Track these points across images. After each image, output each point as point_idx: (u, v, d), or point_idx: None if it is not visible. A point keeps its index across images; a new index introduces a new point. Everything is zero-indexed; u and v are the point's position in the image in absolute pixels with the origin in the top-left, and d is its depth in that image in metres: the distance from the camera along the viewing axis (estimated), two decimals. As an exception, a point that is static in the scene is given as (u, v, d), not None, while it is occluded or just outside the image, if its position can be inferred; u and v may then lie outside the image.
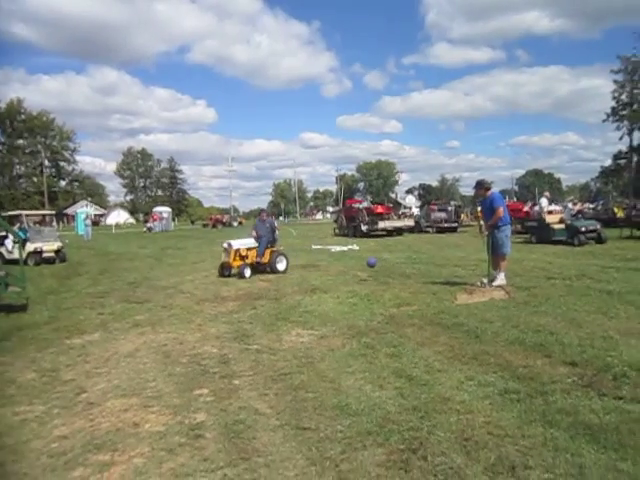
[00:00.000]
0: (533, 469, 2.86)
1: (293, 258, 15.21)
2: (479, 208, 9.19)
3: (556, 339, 5.40)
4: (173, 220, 60.16)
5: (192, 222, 64.92)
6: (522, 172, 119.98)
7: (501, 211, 8.53)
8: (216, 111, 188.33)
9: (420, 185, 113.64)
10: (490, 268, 8.84)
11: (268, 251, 12.11)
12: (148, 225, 47.38)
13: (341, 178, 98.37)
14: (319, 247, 19.45)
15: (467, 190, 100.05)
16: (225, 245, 11.96)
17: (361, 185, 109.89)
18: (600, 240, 16.63)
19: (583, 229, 16.66)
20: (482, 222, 9.01)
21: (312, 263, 13.72)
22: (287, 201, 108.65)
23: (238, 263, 11.66)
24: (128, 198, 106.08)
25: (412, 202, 47.84)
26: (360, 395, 4.06)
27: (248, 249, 11.89)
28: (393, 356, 5.09)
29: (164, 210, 52.49)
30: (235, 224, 57.76)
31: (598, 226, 17.05)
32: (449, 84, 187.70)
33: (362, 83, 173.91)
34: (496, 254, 8.72)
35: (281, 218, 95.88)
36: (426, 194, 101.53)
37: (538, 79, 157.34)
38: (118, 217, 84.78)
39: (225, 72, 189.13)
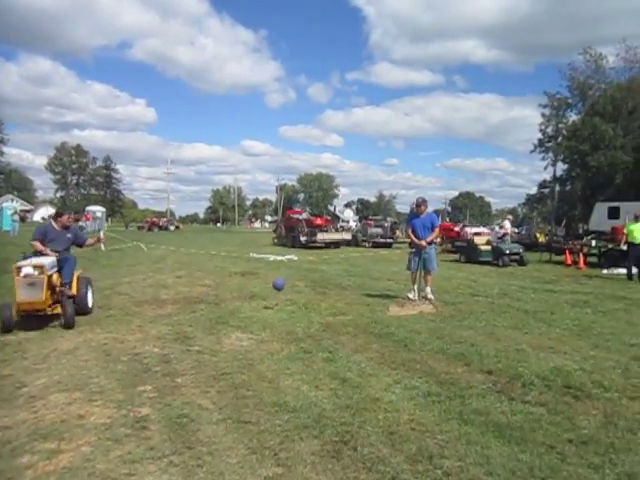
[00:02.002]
0: (448, 458, 3.27)
1: (232, 265, 15.41)
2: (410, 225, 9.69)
3: (476, 350, 5.94)
4: (106, 220, 58.26)
5: (126, 226, 62.91)
6: (455, 193, 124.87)
7: (439, 230, 9.21)
8: (156, 111, 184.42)
9: (358, 200, 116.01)
10: (422, 282, 9.41)
11: (75, 276, 7.66)
12: (80, 224, 45.69)
13: (281, 188, 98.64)
14: (257, 256, 19.64)
15: (403, 207, 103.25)
16: (26, 268, 6.66)
17: (301, 196, 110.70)
18: (522, 262, 17.82)
19: (507, 251, 17.80)
20: (414, 239, 9.46)
21: (251, 271, 13.92)
22: (226, 208, 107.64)
23: (51, 301, 6.94)
24: (58, 195, 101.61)
25: (350, 216, 48.68)
26: (298, 394, 4.38)
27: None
28: (328, 360, 5.45)
29: (97, 210, 50.80)
30: (172, 228, 56.75)
31: (521, 249, 18.27)
32: (390, 103, 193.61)
33: (306, 95, 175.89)
34: (427, 270, 9.31)
35: (219, 224, 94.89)
36: (364, 209, 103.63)
37: (473, 105, 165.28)
38: (46, 214, 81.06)
39: (167, 72, 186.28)
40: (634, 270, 14.53)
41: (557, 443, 3.53)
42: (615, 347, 6.38)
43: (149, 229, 53.65)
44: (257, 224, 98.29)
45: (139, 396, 4.31)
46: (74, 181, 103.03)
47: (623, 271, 14.66)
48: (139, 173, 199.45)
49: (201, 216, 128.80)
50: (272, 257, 18.74)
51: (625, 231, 14.48)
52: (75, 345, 5.95)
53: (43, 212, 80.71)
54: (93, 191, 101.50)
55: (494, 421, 3.87)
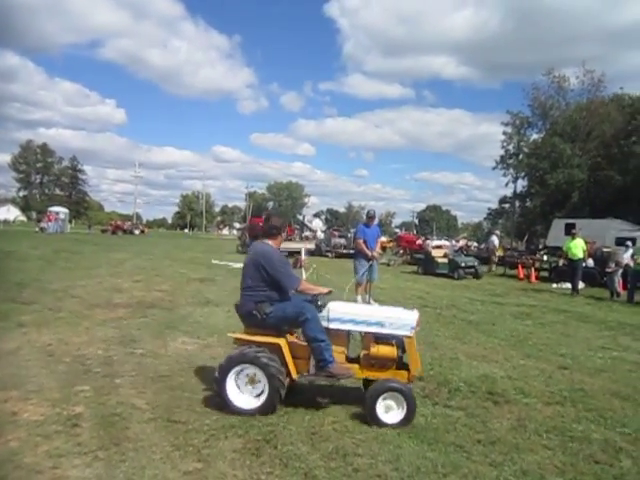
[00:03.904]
0: (361, 456, 3.50)
1: (192, 271, 15.45)
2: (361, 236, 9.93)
3: (412, 357, 6.20)
4: (70, 222, 57.19)
5: (89, 226, 61.84)
6: (423, 206, 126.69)
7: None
8: (126, 113, 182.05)
9: (328, 210, 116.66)
10: (369, 291, 9.71)
11: None
12: (41, 225, 44.77)
13: (251, 195, 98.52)
14: (219, 262, 19.68)
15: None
16: None
17: (270, 204, 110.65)
18: (476, 275, 18.38)
19: (463, 264, 18.33)
20: (366, 249, 9.77)
21: (210, 277, 14.00)
22: (194, 214, 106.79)
23: None
24: (21, 194, 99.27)
25: (319, 226, 49.21)
26: (231, 396, 4.55)
27: None
28: (268, 365, 5.63)
29: (61, 211, 49.80)
30: (137, 232, 56.02)
31: (476, 263, 18.84)
32: (361, 114, 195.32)
33: (279, 103, 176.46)
34: (372, 280, 9.63)
35: (186, 230, 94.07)
36: (333, 219, 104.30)
37: (442, 120, 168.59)
38: (8, 213, 79.17)
39: (138, 74, 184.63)
40: (581, 285, 15.21)
41: (466, 443, 3.80)
42: (545, 357, 6.76)
43: (113, 232, 52.87)
44: (225, 231, 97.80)
45: (75, 395, 4.41)
46: (38, 180, 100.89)
47: (566, 285, 15.32)
48: (107, 175, 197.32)
49: (169, 221, 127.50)
50: (233, 264, 18.80)
51: (564, 248, 15.12)
52: (18, 345, 5.97)
53: (4, 212, 78.80)
54: (58, 191, 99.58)
55: (413, 423, 4.11)
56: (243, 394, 4.17)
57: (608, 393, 5.23)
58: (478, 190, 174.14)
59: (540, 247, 30.39)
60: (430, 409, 4.51)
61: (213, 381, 4.27)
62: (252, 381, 4.17)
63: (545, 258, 19.70)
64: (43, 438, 3.55)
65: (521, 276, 18.75)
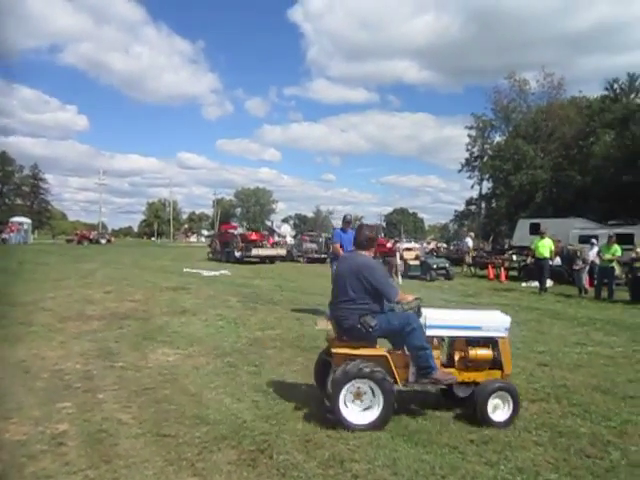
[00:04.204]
0: (358, 462, 3.48)
1: (163, 280, 15.20)
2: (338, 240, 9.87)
3: (395, 360, 6.22)
4: (32, 232, 55.59)
5: (53, 236, 60.21)
6: (390, 209, 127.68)
7: None
8: (88, 119, 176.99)
9: (296, 215, 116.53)
10: None
11: None
12: (3, 236, 43.39)
13: (218, 202, 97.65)
14: (191, 270, 19.42)
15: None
16: None
17: (238, 210, 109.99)
18: (448, 276, 18.63)
19: (435, 266, 18.56)
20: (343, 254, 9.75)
21: (182, 286, 13.78)
22: (161, 221, 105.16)
23: None
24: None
25: (287, 231, 48.92)
26: (220, 407, 4.48)
27: None
28: (253, 374, 5.57)
29: (23, 221, 48.38)
30: (103, 241, 54.84)
31: (447, 264, 19.09)
32: (327, 119, 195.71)
33: (244, 108, 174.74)
34: None
35: (153, 238, 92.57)
36: (301, 224, 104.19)
37: (407, 123, 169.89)
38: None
39: (100, 79, 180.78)
40: (549, 283, 15.57)
41: (460, 444, 3.82)
42: (524, 355, 6.86)
43: (79, 242, 51.61)
44: (193, 238, 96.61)
45: (58, 413, 4.26)
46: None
47: (536, 284, 15.64)
48: (69, 183, 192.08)
49: (135, 229, 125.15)
50: (205, 272, 18.60)
51: (532, 247, 15.45)
52: (-9, 363, 5.75)
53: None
54: (19, 201, 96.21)
55: (405, 426, 4.12)
56: (349, 408, 4.10)
57: (589, 388, 5.34)
58: (443, 192, 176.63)
59: (506, 247, 31.01)
60: (419, 411, 4.52)
61: (325, 396, 4.26)
62: (358, 395, 4.12)
63: (514, 258, 20.13)
64: (28, 459, 3.41)
65: (491, 276, 19.09)
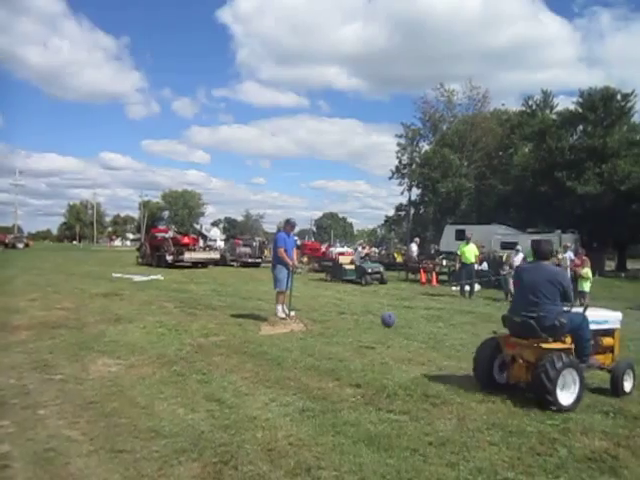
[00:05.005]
0: (324, 469, 3.47)
1: (93, 286, 14.52)
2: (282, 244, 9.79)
3: (344, 365, 6.29)
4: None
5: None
6: (320, 214, 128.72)
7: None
8: (2, 115, 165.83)
9: (226, 218, 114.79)
10: (289, 300, 9.69)
11: None
12: None
13: (145, 205, 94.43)
14: (121, 276, 18.66)
15: (271, 226, 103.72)
16: None
17: (166, 213, 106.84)
18: (382, 281, 19.02)
19: (369, 270, 18.89)
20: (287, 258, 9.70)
21: (114, 292, 13.21)
22: (83, 224, 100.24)
23: None
24: None
25: (217, 235, 48.07)
26: (174, 418, 4.32)
27: None
28: (203, 382, 5.43)
29: None
30: (21, 246, 51.53)
31: (381, 268, 19.51)
32: (257, 122, 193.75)
33: (171, 109, 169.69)
34: (290, 288, 9.63)
35: (75, 242, 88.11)
36: (231, 228, 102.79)
37: (336, 129, 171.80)
38: None
39: (15, 73, 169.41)
40: (477, 287, 16.27)
41: (419, 446, 3.90)
42: (464, 357, 7.10)
43: (-7, 247, 48.21)
44: (118, 242, 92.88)
45: (-5, 432, 3.95)
46: None
47: (468, 288, 16.27)
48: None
49: (54, 233, 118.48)
50: (137, 277, 17.94)
51: (459, 252, 16.09)
52: None
53: None
54: None
55: (365, 431, 4.16)
56: (562, 393, 4.85)
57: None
58: (371, 198, 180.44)
59: (433, 252, 32.14)
60: (376, 415, 4.58)
61: (540, 384, 4.80)
62: (565, 382, 4.90)
63: (444, 262, 20.87)
64: (-30, 484, 3.15)
65: (423, 280, 19.69)
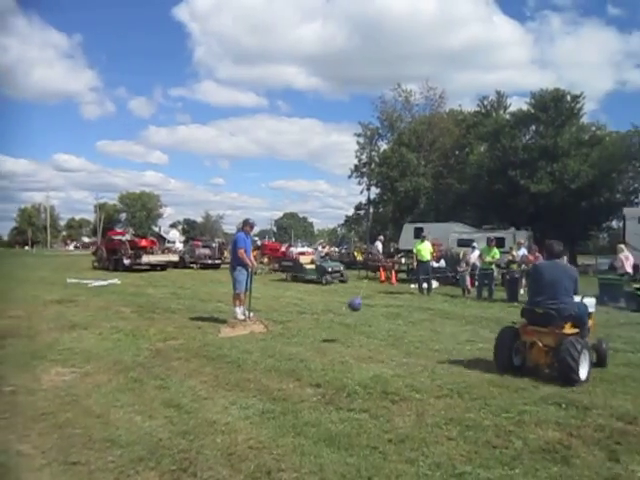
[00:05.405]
0: (285, 471, 3.46)
1: (46, 293, 14.06)
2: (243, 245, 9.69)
3: (305, 365, 6.29)
4: None
5: None
6: (280, 214, 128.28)
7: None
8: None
9: (185, 220, 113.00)
10: (249, 301, 9.63)
11: None
12: None
13: (101, 207, 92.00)
14: (76, 281, 18.12)
15: (230, 227, 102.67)
16: None
17: (123, 216, 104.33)
18: (343, 280, 19.13)
19: (330, 269, 18.95)
20: (247, 259, 9.63)
21: (69, 298, 12.82)
22: (36, 229, 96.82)
23: None
24: None
25: (176, 237, 47.51)
26: (130, 426, 4.23)
27: None
28: (161, 388, 5.34)
29: None
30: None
31: (341, 267, 19.62)
32: (216, 122, 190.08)
33: (127, 109, 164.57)
34: (250, 289, 9.58)
35: (27, 247, 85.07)
36: (190, 229, 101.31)
37: (296, 129, 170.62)
38: None
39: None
40: (435, 284, 16.56)
41: (379, 444, 3.94)
42: (423, 353, 7.24)
43: (-64, 253, 46.08)
44: (72, 246, 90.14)
45: (-60, 448, 3.78)
46: None
47: (425, 285, 16.52)
48: None
49: (5, 238, 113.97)
50: (93, 282, 17.46)
51: (414, 250, 16.33)
52: None
53: None
54: None
55: (325, 431, 4.18)
56: (581, 370, 5.66)
57: (485, 382, 5.74)
58: (332, 197, 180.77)
59: (392, 250, 32.51)
60: (336, 415, 4.60)
61: (567, 365, 5.58)
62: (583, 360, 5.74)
63: (403, 261, 21.14)
64: None
65: (382, 278, 19.89)
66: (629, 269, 13.80)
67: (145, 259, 24.69)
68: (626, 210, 24.08)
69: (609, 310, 12.00)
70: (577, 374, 5.60)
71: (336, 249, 33.72)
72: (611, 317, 10.72)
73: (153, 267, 25.12)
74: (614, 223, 38.03)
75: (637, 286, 13.23)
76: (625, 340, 8.31)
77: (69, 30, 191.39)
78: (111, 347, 7.32)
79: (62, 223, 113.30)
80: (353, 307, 9.09)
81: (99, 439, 3.96)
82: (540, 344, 6.06)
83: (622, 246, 14.79)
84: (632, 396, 5.29)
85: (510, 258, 15.50)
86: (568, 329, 6.06)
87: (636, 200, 36.75)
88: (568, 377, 5.62)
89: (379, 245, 23.08)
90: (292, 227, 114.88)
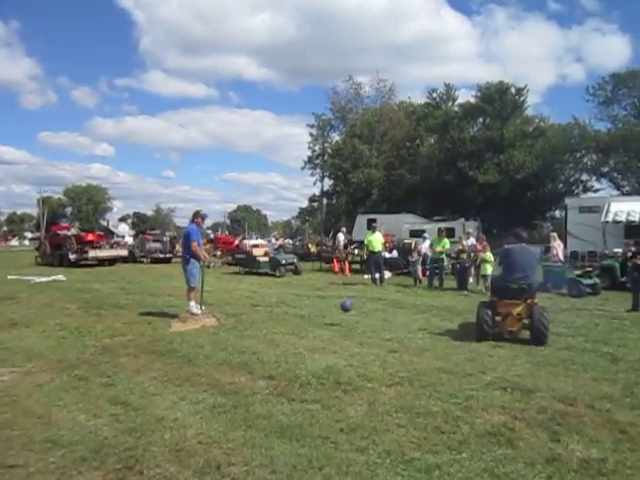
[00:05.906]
0: (235, 465, 3.41)
1: (-16, 290, 13.39)
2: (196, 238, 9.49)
3: (257, 358, 6.24)
4: None
5: None
6: (234, 207, 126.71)
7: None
8: None
9: (134, 214, 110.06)
10: (202, 296, 9.46)
11: None
12: None
13: (44, 201, 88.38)
14: (17, 277, 17.36)
15: (182, 221, 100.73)
16: None
17: (69, 210, 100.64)
18: (297, 272, 19.10)
19: (284, 262, 18.89)
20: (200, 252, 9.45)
21: (9, 295, 12.25)
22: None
23: None
24: None
25: (125, 231, 46.21)
26: (74, 426, 4.07)
27: None
28: (108, 385, 5.17)
29: None
30: None
31: (295, 260, 19.58)
32: (165, 114, 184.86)
33: (70, 99, 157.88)
34: (201, 282, 9.42)
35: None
36: (140, 223, 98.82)
37: (247, 120, 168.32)
38: None
39: None
40: (388, 274, 16.76)
41: (331, 434, 3.94)
42: (375, 343, 7.31)
43: None
44: (15, 242, 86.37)
45: None
46: None
47: (378, 276, 16.69)
48: None
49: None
50: (36, 278, 16.77)
51: (366, 242, 16.47)
52: None
53: None
54: None
55: (277, 423, 4.14)
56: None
57: (435, 369, 5.84)
58: (285, 190, 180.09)
59: (346, 241, 32.74)
60: (288, 406, 4.57)
61: (541, 329, 7.09)
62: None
63: (356, 252, 21.30)
64: None
65: (336, 270, 19.98)
66: (561, 256, 15.48)
67: (92, 254, 23.91)
68: (568, 200, 25.07)
69: (552, 296, 12.49)
70: (547, 336, 7.04)
71: (290, 241, 33.66)
72: (553, 303, 11.13)
73: (101, 262, 24.35)
74: (557, 213, 39.56)
75: (578, 273, 13.83)
76: (566, 325, 8.64)
77: (5, 17, 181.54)
78: (55, 345, 7.04)
79: (2, 218, 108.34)
80: (344, 308, 10.02)
81: (39, 440, 3.79)
82: (514, 313, 7.38)
83: (555, 234, 16.67)
84: (573, 378, 5.51)
85: (460, 248, 15.86)
86: (536, 300, 7.47)
87: (577, 190, 38.33)
88: (542, 338, 7.03)
89: (341, 236, 23.15)
90: (246, 220, 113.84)
